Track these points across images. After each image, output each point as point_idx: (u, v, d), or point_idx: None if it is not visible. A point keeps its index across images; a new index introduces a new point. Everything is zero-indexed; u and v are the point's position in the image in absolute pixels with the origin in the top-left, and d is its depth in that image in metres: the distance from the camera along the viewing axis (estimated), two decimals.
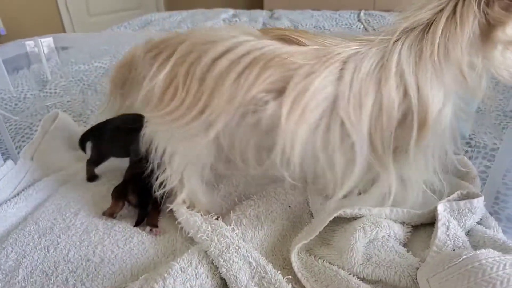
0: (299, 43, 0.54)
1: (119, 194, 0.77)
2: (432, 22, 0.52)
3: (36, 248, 0.67)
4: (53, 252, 0.67)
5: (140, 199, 0.76)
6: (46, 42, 1.10)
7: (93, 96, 1.33)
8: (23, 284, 0.61)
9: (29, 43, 1.09)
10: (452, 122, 0.57)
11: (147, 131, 0.68)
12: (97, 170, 0.90)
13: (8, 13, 2.97)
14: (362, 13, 2.01)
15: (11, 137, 1.02)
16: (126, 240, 0.69)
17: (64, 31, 3.63)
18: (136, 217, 0.74)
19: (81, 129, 1.05)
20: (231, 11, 2.26)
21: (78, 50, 1.73)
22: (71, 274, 0.62)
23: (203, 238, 0.64)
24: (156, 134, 0.68)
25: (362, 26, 1.86)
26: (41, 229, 0.72)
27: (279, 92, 0.54)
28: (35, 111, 1.20)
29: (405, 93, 0.52)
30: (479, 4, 0.50)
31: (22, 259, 0.65)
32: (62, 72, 1.30)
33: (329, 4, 2.72)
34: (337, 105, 0.53)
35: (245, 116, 0.57)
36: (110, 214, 0.75)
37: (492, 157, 0.83)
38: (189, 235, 0.68)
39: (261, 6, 3.19)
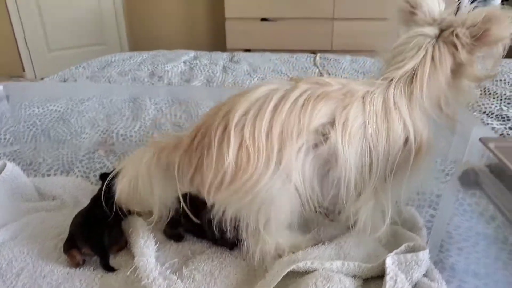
0: (328, 84, 0.67)
1: (69, 246, 0.76)
2: (417, 69, 0.67)
3: None
4: None
5: (95, 248, 0.75)
6: None
7: (46, 142, 1.29)
8: None
9: None
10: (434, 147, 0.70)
11: (229, 212, 0.68)
12: (43, 226, 0.86)
13: None
14: (317, 57, 2.10)
15: None
16: None
17: (22, 66, 3.56)
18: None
19: (30, 180, 1.01)
20: (192, 53, 2.29)
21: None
22: None
23: None
24: (241, 211, 0.68)
25: (317, 70, 1.94)
26: None
27: (332, 123, 0.64)
28: None
29: (404, 124, 0.65)
30: (452, 50, 0.65)
31: None
32: (13, 117, 1.26)
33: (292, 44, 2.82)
34: (366, 131, 0.65)
35: (308, 152, 0.65)
36: (75, 265, 0.74)
37: (437, 204, 0.86)
38: (142, 284, 0.66)
39: (223, 48, 3.26)
